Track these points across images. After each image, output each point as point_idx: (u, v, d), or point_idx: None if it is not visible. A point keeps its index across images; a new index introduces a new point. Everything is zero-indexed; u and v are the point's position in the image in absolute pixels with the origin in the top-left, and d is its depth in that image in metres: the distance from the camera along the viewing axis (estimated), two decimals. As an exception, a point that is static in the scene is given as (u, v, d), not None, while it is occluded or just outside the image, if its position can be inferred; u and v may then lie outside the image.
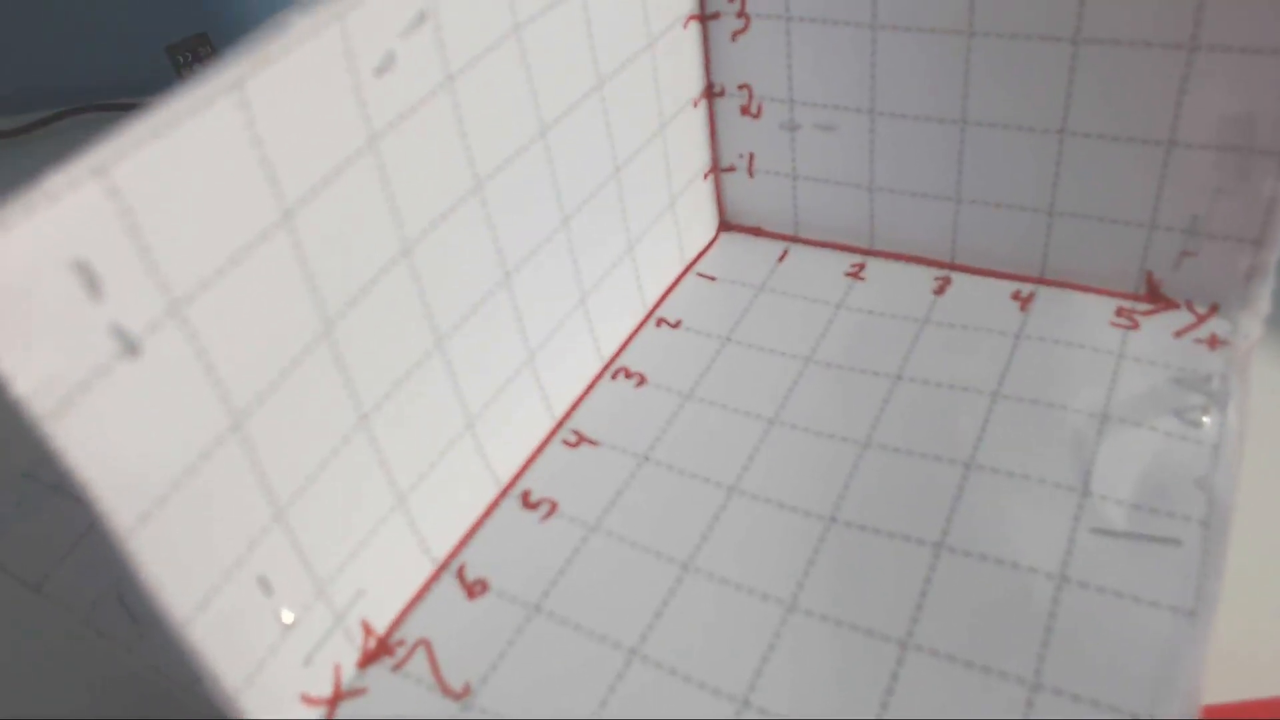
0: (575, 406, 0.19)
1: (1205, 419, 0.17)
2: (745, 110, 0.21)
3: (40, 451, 0.16)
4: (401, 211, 0.14)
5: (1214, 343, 0.18)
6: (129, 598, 0.17)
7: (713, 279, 0.22)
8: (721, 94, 0.21)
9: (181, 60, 0.61)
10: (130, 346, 0.10)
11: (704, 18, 0.20)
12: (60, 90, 0.68)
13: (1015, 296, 0.20)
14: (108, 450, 0.10)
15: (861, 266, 0.22)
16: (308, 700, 0.14)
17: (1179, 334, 0.18)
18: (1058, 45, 0.17)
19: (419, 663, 0.15)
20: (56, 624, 0.19)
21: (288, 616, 0.13)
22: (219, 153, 0.11)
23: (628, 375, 0.20)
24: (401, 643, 0.15)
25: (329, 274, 0.13)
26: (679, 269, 0.22)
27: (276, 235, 0.12)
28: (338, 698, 0.15)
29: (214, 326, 0.11)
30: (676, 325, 0.21)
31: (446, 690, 0.15)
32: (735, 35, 0.20)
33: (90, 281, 0.10)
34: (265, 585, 0.13)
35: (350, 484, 0.14)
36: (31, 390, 0.09)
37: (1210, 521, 0.15)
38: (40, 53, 0.67)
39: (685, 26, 0.20)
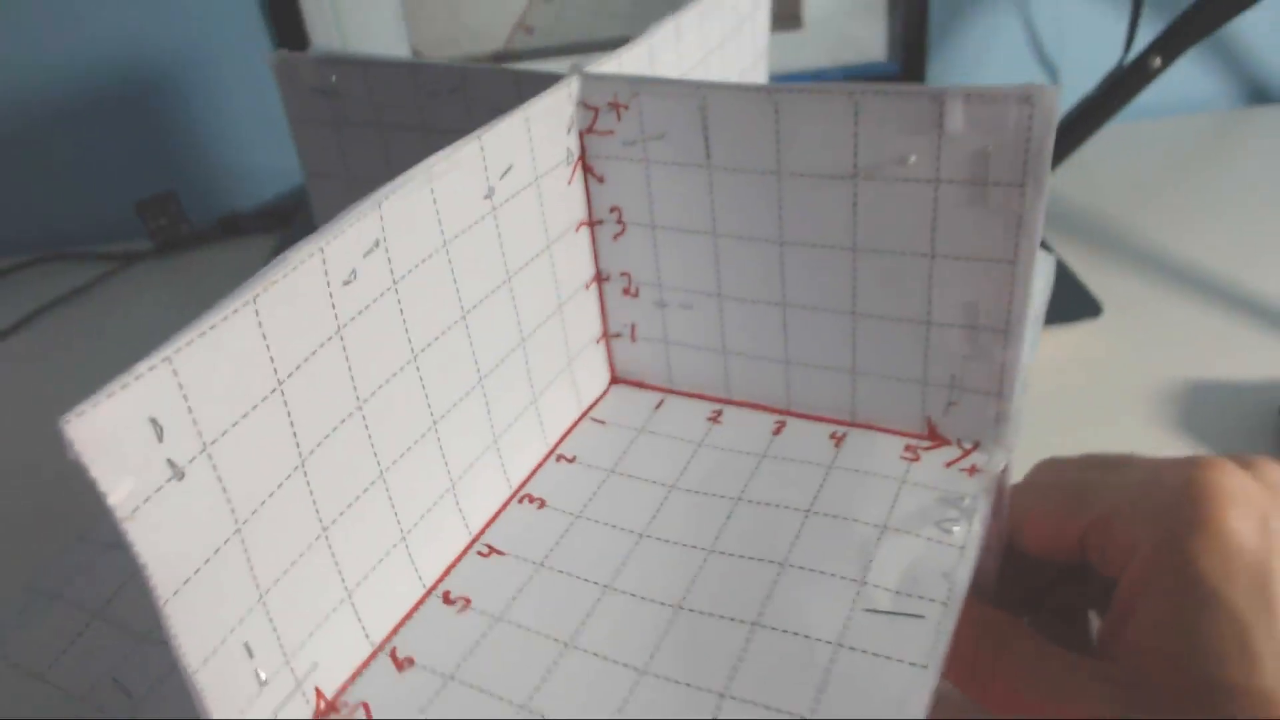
0: (489, 525, 0.24)
1: (956, 528, 0.22)
2: (626, 291, 0.28)
3: (39, 565, 0.21)
4: (357, 379, 0.19)
5: (973, 471, 0.24)
6: (124, 679, 0.22)
7: (603, 422, 0.28)
8: (608, 279, 0.28)
9: (150, 216, 0.67)
10: (178, 473, 0.15)
11: (592, 224, 0.27)
12: (30, 237, 0.73)
13: (832, 436, 0.26)
14: (158, 542, 0.15)
15: (719, 412, 0.27)
16: None
17: (948, 465, 0.24)
18: (846, 253, 0.24)
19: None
20: (61, 706, 0.23)
21: (263, 675, 0.18)
22: (240, 344, 0.16)
23: (531, 500, 0.25)
24: (345, 704, 0.20)
25: (305, 425, 0.18)
26: (576, 415, 0.28)
27: (272, 399, 0.17)
28: None
29: (229, 460, 0.16)
30: (573, 460, 0.26)
31: (381, 740, 0.19)
32: (616, 237, 0.27)
33: (157, 430, 0.15)
34: (249, 650, 0.17)
35: (312, 580, 0.19)
36: (118, 502, 0.14)
37: (949, 602, 0.20)
38: (11, 201, 0.73)
39: (577, 230, 0.26)
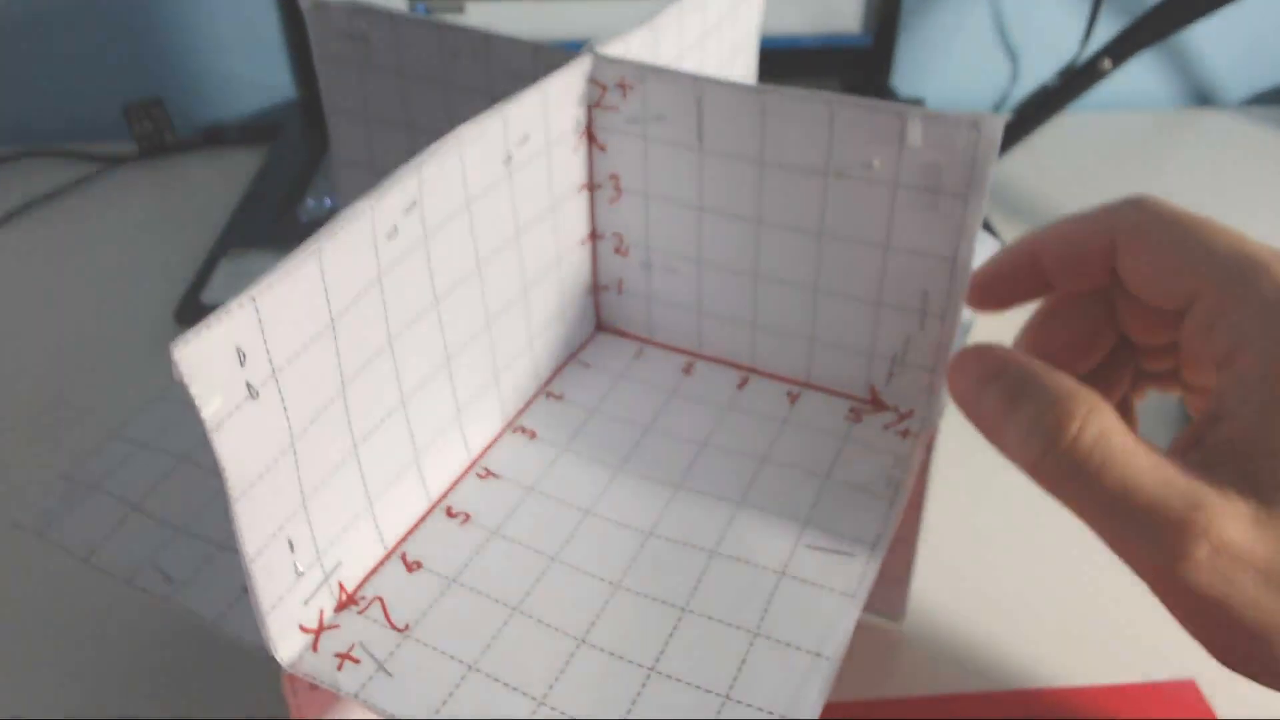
0: (486, 450, 0.27)
1: (887, 482, 0.26)
2: (618, 250, 0.31)
3: (71, 450, 0.24)
4: (390, 319, 0.22)
5: (905, 434, 0.28)
6: (163, 565, 0.25)
7: (589, 366, 0.31)
8: (602, 237, 0.31)
9: (136, 120, 0.68)
10: (254, 393, 0.18)
11: (591, 187, 0.30)
12: (14, 130, 0.74)
13: (789, 395, 0.30)
14: (235, 450, 0.18)
15: (692, 365, 0.31)
16: (304, 629, 0.22)
17: (886, 427, 0.28)
18: (813, 237, 0.27)
19: (375, 610, 0.23)
20: (103, 587, 0.25)
21: (300, 567, 0.21)
22: (305, 286, 0.19)
23: (524, 431, 0.28)
24: (364, 598, 0.23)
25: (348, 356, 0.21)
26: (565, 357, 0.31)
27: (325, 333, 0.20)
28: (321, 629, 0.22)
29: (290, 384, 0.19)
30: (560, 398, 0.30)
31: (394, 627, 0.23)
32: (612, 201, 0.30)
33: (240, 357, 0.18)
34: (291, 546, 0.21)
35: (343, 490, 0.22)
36: (210, 415, 0.17)
37: (876, 545, 0.24)
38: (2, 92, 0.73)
39: (579, 193, 0.29)
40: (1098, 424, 0.21)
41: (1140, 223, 0.24)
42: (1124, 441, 0.21)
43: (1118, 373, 0.27)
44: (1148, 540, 0.20)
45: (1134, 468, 0.20)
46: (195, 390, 0.17)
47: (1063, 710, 0.31)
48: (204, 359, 0.17)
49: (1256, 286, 0.21)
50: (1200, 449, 0.21)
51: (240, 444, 0.18)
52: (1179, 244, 0.23)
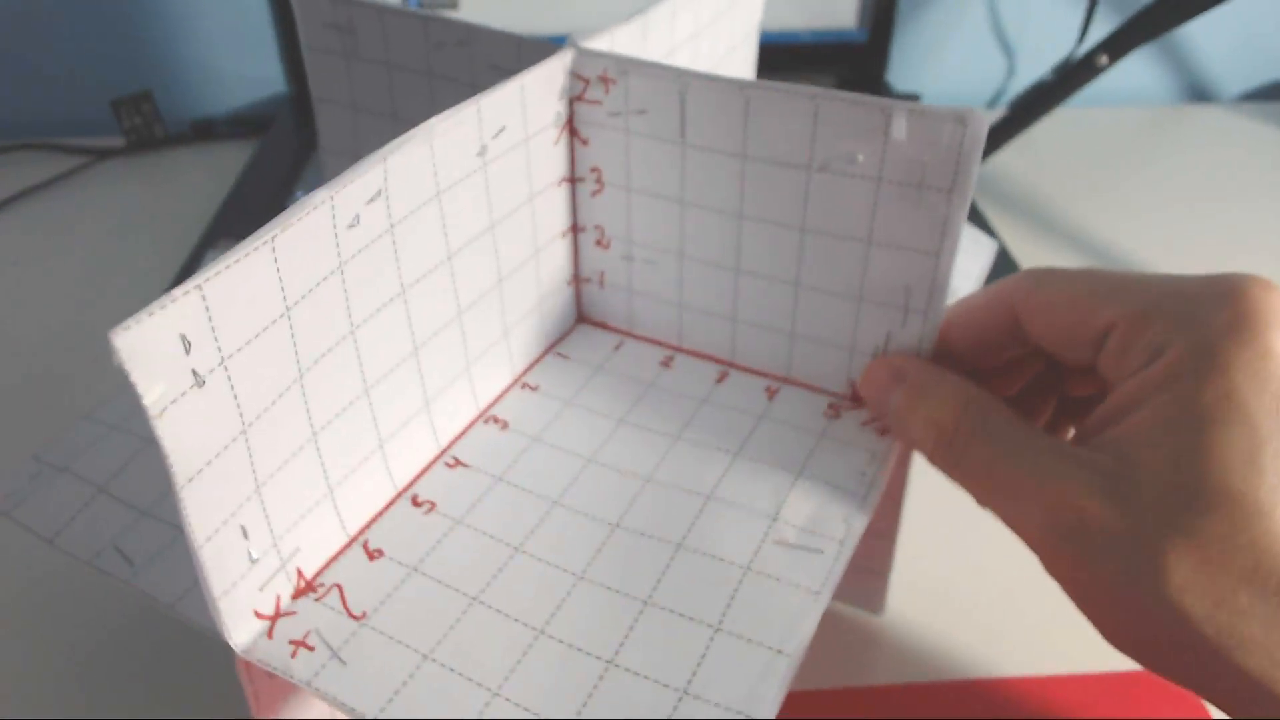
0: (456, 440, 0.27)
1: (860, 479, 0.26)
2: (599, 243, 0.30)
3: (51, 437, 0.24)
4: (352, 308, 0.22)
5: (883, 431, 0.27)
6: (125, 548, 0.25)
7: (567, 357, 0.31)
8: (583, 230, 0.30)
9: (124, 114, 0.67)
10: (200, 381, 0.18)
11: (573, 180, 0.29)
12: (4, 123, 0.74)
13: (767, 390, 0.29)
14: (180, 438, 0.18)
15: (671, 358, 0.30)
16: (259, 615, 0.22)
17: (864, 424, 0.28)
18: (795, 232, 0.27)
19: (333, 598, 0.23)
20: (66, 568, 0.25)
21: (254, 554, 0.21)
22: (258, 276, 0.19)
23: (496, 421, 0.28)
24: (322, 585, 0.23)
25: (306, 346, 0.21)
26: (543, 349, 0.31)
27: (280, 322, 0.20)
28: (277, 616, 0.22)
29: (241, 372, 0.19)
30: (536, 389, 0.29)
31: (351, 615, 0.22)
32: (594, 194, 0.29)
33: (185, 345, 0.17)
34: (244, 532, 0.20)
35: (301, 477, 0.22)
36: (152, 402, 0.17)
37: (845, 541, 0.24)
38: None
39: (559, 185, 0.29)
40: (976, 413, 0.24)
41: (1035, 287, 0.25)
42: (1003, 428, 0.23)
43: (1041, 398, 0.28)
44: (1025, 512, 0.22)
45: (1009, 450, 0.23)
46: (135, 377, 0.17)
47: (1044, 699, 0.31)
48: (145, 346, 0.17)
49: (1168, 304, 0.22)
50: (1097, 437, 0.22)
51: (185, 431, 0.18)
52: (1081, 290, 0.24)
